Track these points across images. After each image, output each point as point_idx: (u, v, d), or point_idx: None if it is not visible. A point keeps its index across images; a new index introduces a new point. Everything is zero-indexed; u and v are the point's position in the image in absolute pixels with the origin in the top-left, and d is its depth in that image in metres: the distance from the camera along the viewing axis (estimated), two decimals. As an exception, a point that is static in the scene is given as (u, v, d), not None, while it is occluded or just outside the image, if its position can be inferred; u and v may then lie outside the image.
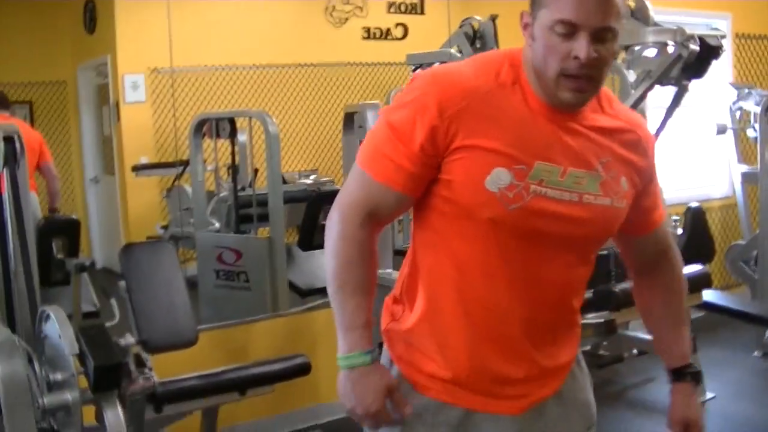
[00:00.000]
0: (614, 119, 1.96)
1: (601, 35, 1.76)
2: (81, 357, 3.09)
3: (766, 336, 6.07)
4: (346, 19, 5.94)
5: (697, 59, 4.42)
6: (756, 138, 6.39)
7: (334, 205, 1.96)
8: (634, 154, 1.97)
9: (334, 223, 1.93)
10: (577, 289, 2.02)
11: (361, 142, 3.71)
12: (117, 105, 5.23)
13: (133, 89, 5.24)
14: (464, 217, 1.87)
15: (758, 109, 6.29)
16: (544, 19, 1.79)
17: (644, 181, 2.01)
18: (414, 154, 1.85)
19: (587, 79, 1.80)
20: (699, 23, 6.87)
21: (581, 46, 1.75)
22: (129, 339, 3.52)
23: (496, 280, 1.89)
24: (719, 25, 6.99)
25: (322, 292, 5.14)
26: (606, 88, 1.96)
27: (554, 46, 1.78)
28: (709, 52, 4.49)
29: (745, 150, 7.02)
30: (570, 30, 1.76)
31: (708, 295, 4.84)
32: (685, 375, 2.19)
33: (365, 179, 1.92)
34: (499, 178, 1.81)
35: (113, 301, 4.21)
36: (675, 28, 4.40)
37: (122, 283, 3.97)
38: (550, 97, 1.85)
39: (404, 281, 2.03)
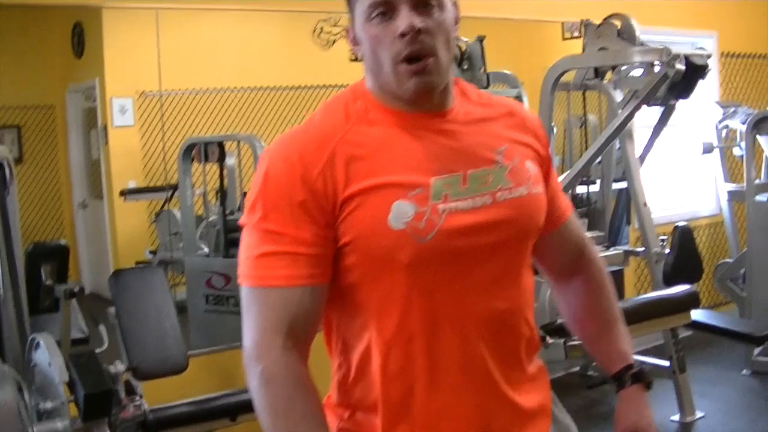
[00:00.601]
0: (489, 107, 1.82)
1: (423, 2, 1.63)
2: (71, 385, 3.09)
3: (754, 354, 6.09)
4: (334, 41, 5.94)
5: (683, 79, 4.46)
6: (742, 156, 6.42)
7: (244, 356, 1.66)
8: (525, 135, 1.82)
9: (251, 371, 1.63)
10: (527, 308, 1.80)
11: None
12: (105, 128, 5.22)
13: (122, 113, 5.23)
14: (382, 275, 1.64)
15: (744, 128, 6.33)
16: (360, 14, 1.67)
17: (545, 165, 1.86)
18: (304, 236, 1.62)
19: (424, 56, 1.63)
20: (685, 42, 6.93)
21: (402, 20, 1.61)
22: (119, 366, 3.51)
23: (442, 333, 1.67)
24: (705, 43, 7.05)
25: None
26: (464, 81, 1.86)
27: (377, 35, 1.64)
28: (695, 71, 4.53)
29: (731, 168, 7.05)
30: (386, 9, 1.63)
31: (696, 314, 4.85)
32: (627, 378, 1.95)
33: (261, 296, 1.64)
34: (401, 212, 1.61)
35: (102, 328, 4.21)
36: (661, 47, 4.43)
37: (111, 309, 3.97)
38: (406, 103, 1.70)
39: (343, 382, 1.76)
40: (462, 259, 1.66)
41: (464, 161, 1.69)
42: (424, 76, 1.64)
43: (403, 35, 1.61)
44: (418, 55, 1.63)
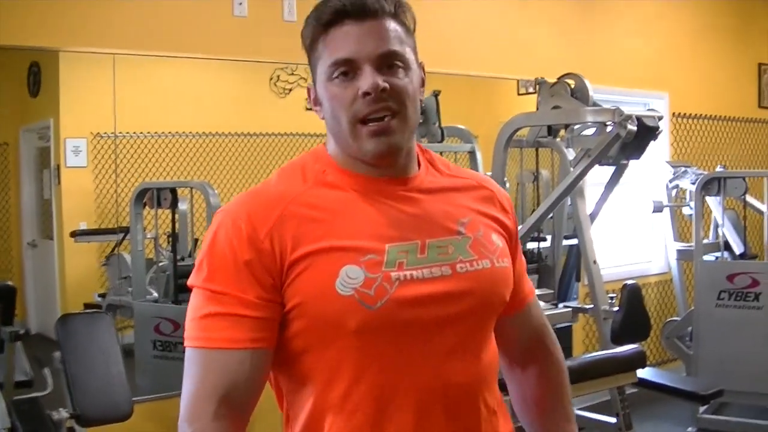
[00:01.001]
0: (456, 178, 1.78)
1: (388, 63, 1.61)
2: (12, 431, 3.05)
3: (700, 412, 6.13)
4: (290, 89, 5.96)
5: (635, 139, 4.50)
6: (691, 216, 6.50)
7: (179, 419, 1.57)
8: (493, 209, 1.78)
9: None
10: (490, 381, 1.72)
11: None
12: (58, 169, 5.19)
13: (75, 154, 5.20)
14: (329, 343, 1.59)
15: (693, 188, 6.42)
16: (322, 74, 1.64)
17: (513, 243, 1.81)
18: (248, 299, 1.57)
19: (387, 117, 1.59)
20: (638, 102, 7.04)
21: (365, 79, 1.58)
22: (62, 413, 3.47)
23: (393, 407, 1.60)
24: (657, 104, 7.17)
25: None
26: (431, 152, 1.82)
27: (338, 94, 1.60)
28: (646, 132, 4.57)
29: (681, 227, 7.14)
30: (348, 68, 1.60)
31: (643, 372, 4.88)
32: None
33: (201, 358, 1.57)
34: (349, 277, 1.55)
35: (47, 371, 4.16)
36: (613, 108, 4.47)
37: (57, 354, 3.93)
38: (367, 166, 1.66)
39: None
40: (415, 330, 1.59)
41: (424, 230, 1.65)
42: (385, 137, 1.60)
43: (365, 94, 1.58)
44: (379, 115, 1.60)
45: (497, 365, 1.79)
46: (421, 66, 1.73)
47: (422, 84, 1.72)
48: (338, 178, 1.68)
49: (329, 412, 1.60)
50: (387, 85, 1.59)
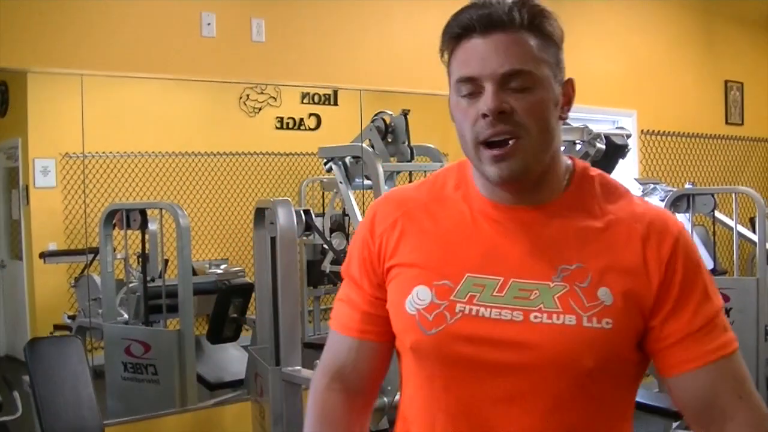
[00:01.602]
0: (606, 216, 1.56)
1: (511, 82, 1.48)
2: (-20, 458, 3.02)
3: (672, 428, 6.14)
4: (260, 108, 5.96)
5: (604, 157, 4.52)
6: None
7: None
8: (631, 256, 1.52)
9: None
10: None
11: (272, 238, 3.75)
12: (27, 189, 5.16)
13: (44, 174, 5.17)
14: (402, 351, 1.64)
15: (663, 204, 6.45)
16: (452, 88, 1.55)
17: (661, 296, 1.51)
18: (364, 291, 1.66)
19: (506, 139, 1.48)
20: (607, 119, 7.08)
21: (485, 100, 1.47)
22: (32, 438, 3.44)
23: (444, 427, 1.57)
24: (625, 121, 7.22)
25: (232, 385, 5.16)
26: (609, 179, 1.65)
27: (464, 111, 1.51)
28: (615, 150, 4.60)
29: (651, 244, 7.17)
30: (473, 88, 1.50)
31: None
32: None
33: (329, 336, 1.73)
34: (418, 297, 1.54)
35: (16, 394, 4.12)
36: (582, 127, 4.49)
37: (26, 378, 3.89)
38: (494, 190, 1.57)
39: None
40: (466, 367, 1.52)
41: (515, 267, 1.53)
42: (505, 162, 1.49)
43: (484, 116, 1.48)
44: (499, 138, 1.49)
45: None
46: (568, 82, 1.61)
47: (567, 102, 1.59)
48: (464, 196, 1.63)
49: (400, 413, 1.69)
50: (507, 106, 1.47)
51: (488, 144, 1.49)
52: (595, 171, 1.66)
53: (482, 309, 1.50)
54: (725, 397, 1.52)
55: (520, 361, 1.48)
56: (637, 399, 4.45)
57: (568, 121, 4.82)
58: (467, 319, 1.51)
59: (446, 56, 1.58)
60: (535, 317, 1.48)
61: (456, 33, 1.54)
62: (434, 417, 1.58)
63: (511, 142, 1.48)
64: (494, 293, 1.51)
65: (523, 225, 1.55)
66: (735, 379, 1.54)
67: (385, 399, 3.41)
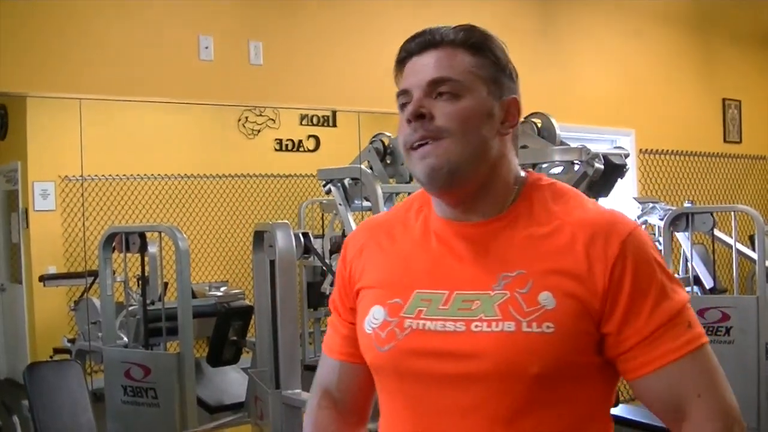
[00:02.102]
0: (544, 221, 1.57)
1: (438, 90, 1.55)
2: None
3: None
4: (259, 130, 5.99)
5: (602, 177, 4.51)
6: (660, 251, 6.52)
7: None
8: (575, 259, 1.51)
9: None
10: None
11: (271, 261, 3.75)
12: (26, 212, 5.17)
13: (43, 197, 5.19)
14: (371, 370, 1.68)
15: (662, 224, 6.44)
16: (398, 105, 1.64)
17: (611, 300, 1.49)
18: (343, 318, 1.75)
19: (428, 141, 1.53)
20: (605, 139, 7.09)
21: (409, 106, 1.56)
22: (31, 462, 3.44)
23: None
24: (623, 141, 7.23)
25: (232, 408, 5.14)
26: (561, 187, 1.65)
27: (401, 122, 1.59)
28: (613, 170, 4.59)
29: (650, 262, 7.16)
30: (406, 99, 1.58)
31: (617, 409, 4.88)
32: None
33: (321, 357, 1.82)
34: (374, 316, 1.60)
35: (15, 419, 4.12)
36: (580, 147, 4.48)
37: (26, 402, 3.89)
38: (441, 205, 1.62)
39: None
40: (421, 380, 1.55)
41: (458, 280, 1.55)
42: (428, 159, 1.53)
43: (408, 121, 1.55)
44: (423, 141, 1.54)
45: None
46: (510, 101, 1.61)
47: (507, 119, 1.60)
48: (424, 217, 1.67)
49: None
50: (425, 110, 1.54)
51: (414, 147, 1.55)
52: (547, 180, 1.66)
53: (428, 323, 1.53)
54: (685, 396, 1.51)
55: (466, 372, 1.50)
56: (639, 419, 4.40)
57: (566, 140, 4.81)
58: (415, 334, 1.54)
59: (397, 81, 1.65)
60: (476, 326, 1.49)
61: (401, 57, 1.63)
62: (400, 425, 1.61)
63: (431, 142, 1.53)
64: (440, 306, 1.53)
65: (469, 239, 1.59)
66: (696, 376, 1.52)
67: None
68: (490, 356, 1.47)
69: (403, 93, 1.59)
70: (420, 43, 1.60)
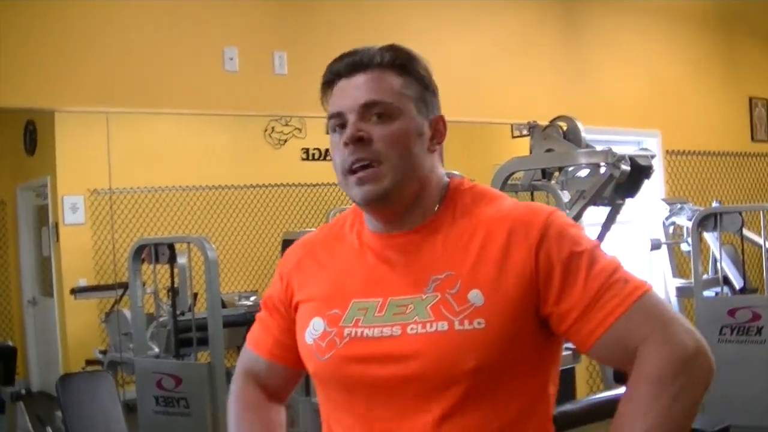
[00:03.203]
0: (465, 223, 1.63)
1: (372, 112, 1.60)
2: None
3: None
4: (285, 140, 6.00)
5: (629, 179, 4.49)
6: (689, 252, 6.49)
7: None
8: (499, 252, 1.56)
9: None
10: None
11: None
12: (56, 226, 5.21)
13: (73, 211, 5.23)
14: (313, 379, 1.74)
15: (690, 224, 6.41)
16: (329, 128, 1.68)
17: (543, 281, 1.55)
18: (276, 321, 1.80)
19: (366, 164, 1.59)
20: (631, 141, 7.07)
21: (347, 130, 1.61)
22: (65, 475, 3.47)
23: None
24: (650, 142, 7.20)
25: (263, 416, 5.15)
26: (482, 189, 1.71)
27: (335, 145, 1.64)
28: (640, 171, 4.58)
29: (679, 264, 7.14)
30: (340, 121, 1.63)
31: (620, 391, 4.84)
32: None
33: (244, 349, 1.88)
34: (314, 328, 1.65)
35: (49, 430, 4.15)
36: (606, 149, 4.46)
37: (58, 414, 3.92)
38: (375, 222, 1.69)
39: None
40: (362, 386, 1.60)
41: (392, 287, 1.62)
42: (369, 185, 1.59)
43: (346, 144, 1.60)
44: (362, 164, 1.60)
45: None
46: (438, 119, 1.70)
47: (435, 136, 1.69)
48: (357, 232, 1.73)
49: None
50: (364, 134, 1.59)
51: (353, 171, 1.60)
52: (469, 184, 1.73)
53: (366, 330, 1.59)
54: (637, 340, 1.51)
55: (404, 374, 1.55)
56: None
57: (591, 143, 4.81)
58: (354, 341, 1.59)
59: (322, 102, 1.72)
60: (411, 329, 1.55)
61: (328, 79, 1.69)
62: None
63: (370, 166, 1.59)
64: (376, 314, 1.59)
65: (399, 248, 1.65)
66: (644, 322, 1.52)
67: None
68: (426, 356, 1.53)
69: (337, 116, 1.63)
70: (348, 65, 1.66)
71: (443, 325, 1.53)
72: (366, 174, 1.59)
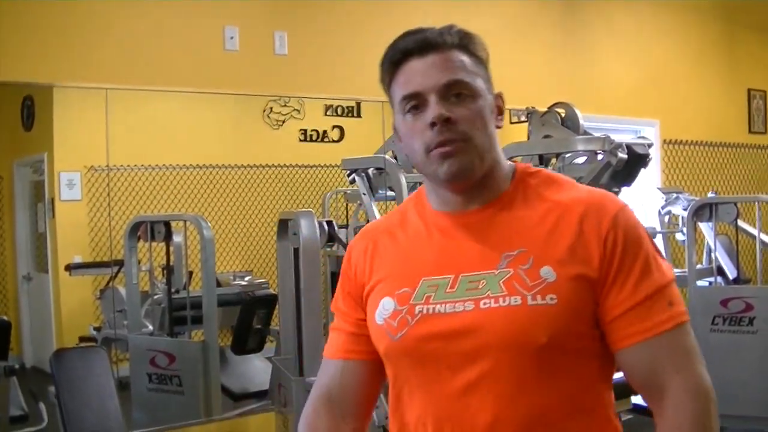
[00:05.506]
0: (537, 203, 1.67)
1: (454, 93, 1.62)
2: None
3: None
4: (284, 121, 6.00)
5: (625, 167, 4.50)
6: (684, 242, 6.50)
7: None
8: (571, 235, 1.60)
9: None
10: (534, 429, 1.57)
11: (295, 249, 3.77)
12: (52, 202, 5.20)
13: (69, 187, 5.22)
14: (383, 361, 1.74)
15: (685, 214, 6.42)
16: (397, 110, 1.69)
17: (603, 271, 1.58)
18: (349, 316, 1.79)
19: (452, 142, 1.60)
20: (629, 129, 7.07)
21: (431, 110, 1.60)
22: (58, 449, 3.47)
23: (424, 427, 1.63)
24: (648, 131, 7.20)
25: (256, 396, 5.17)
26: (551, 174, 1.75)
27: (412, 127, 1.64)
28: (637, 159, 4.58)
29: (674, 253, 7.15)
30: (417, 102, 1.63)
31: (637, 398, 4.87)
32: None
33: (321, 366, 1.85)
34: (384, 308, 1.67)
35: (42, 405, 4.16)
36: (603, 136, 4.47)
37: (52, 389, 3.92)
38: (443, 197, 1.70)
39: None
40: (434, 362, 1.62)
41: (463, 263, 1.63)
42: (454, 161, 1.61)
43: (432, 125, 1.60)
44: (448, 142, 1.61)
45: (561, 412, 1.60)
46: (498, 95, 1.73)
47: (499, 112, 1.72)
48: (420, 214, 1.75)
49: (390, 423, 1.76)
50: (451, 114, 1.60)
51: (434, 149, 1.62)
52: (535, 168, 1.76)
53: (438, 306, 1.61)
54: (663, 372, 1.58)
55: (477, 347, 1.57)
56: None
57: (589, 130, 4.80)
58: (426, 318, 1.61)
59: (386, 82, 1.72)
60: (484, 303, 1.57)
61: (396, 58, 1.68)
62: (416, 418, 1.66)
63: (454, 145, 1.61)
64: (447, 290, 1.62)
65: (469, 226, 1.67)
66: (675, 353, 1.59)
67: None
68: (499, 329, 1.56)
69: (413, 96, 1.64)
70: (419, 44, 1.66)
71: (516, 300, 1.56)
72: (451, 149, 1.60)
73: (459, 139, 1.60)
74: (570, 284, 1.57)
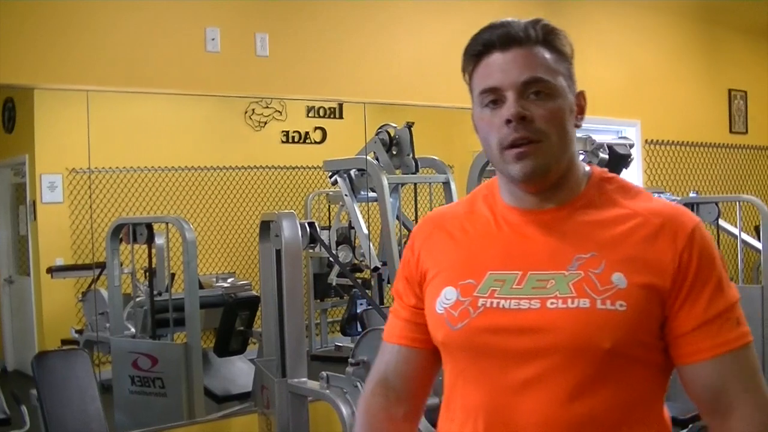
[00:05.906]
0: (613, 209, 1.67)
1: (533, 90, 1.61)
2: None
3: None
4: (266, 122, 5.99)
5: (607, 167, 4.50)
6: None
7: None
8: (646, 246, 1.60)
9: None
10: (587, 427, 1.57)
11: (278, 250, 3.77)
12: (34, 205, 5.18)
13: (51, 189, 5.20)
14: (439, 350, 1.75)
15: (667, 214, 6.44)
16: (475, 101, 1.69)
17: (676, 285, 1.58)
18: (406, 303, 1.82)
19: (528, 141, 1.59)
20: (611, 129, 7.09)
21: (508, 107, 1.60)
22: (40, 452, 3.46)
23: (470, 423, 1.65)
24: (629, 131, 7.23)
25: (239, 398, 5.17)
26: (626, 181, 1.75)
27: (488, 120, 1.64)
28: (618, 160, 4.60)
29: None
30: (495, 96, 1.63)
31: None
32: None
33: (380, 348, 1.88)
34: (445, 297, 1.67)
35: (24, 408, 4.14)
36: (585, 137, 4.49)
37: (34, 392, 3.91)
38: (516, 194, 1.70)
39: None
40: (491, 356, 1.62)
41: (532, 261, 1.63)
42: (527, 161, 1.60)
43: (508, 122, 1.60)
44: (523, 141, 1.60)
45: (612, 420, 1.60)
46: (580, 94, 1.73)
47: (580, 111, 1.71)
48: (490, 207, 1.75)
49: (442, 410, 1.77)
50: (528, 113, 1.60)
51: (512, 147, 1.61)
52: (611, 174, 1.76)
53: (503, 301, 1.61)
54: (732, 389, 1.59)
55: (539, 346, 1.57)
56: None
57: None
58: (489, 312, 1.61)
59: (468, 73, 1.71)
60: (552, 303, 1.57)
61: (478, 50, 1.67)
62: (468, 409, 1.66)
63: (530, 144, 1.60)
64: (513, 286, 1.61)
65: (542, 224, 1.67)
66: (743, 372, 1.61)
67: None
68: (565, 331, 1.56)
69: (491, 91, 1.63)
70: (503, 38, 1.65)
71: (585, 302, 1.56)
72: (526, 150, 1.60)
73: (534, 139, 1.60)
74: (640, 293, 1.57)
